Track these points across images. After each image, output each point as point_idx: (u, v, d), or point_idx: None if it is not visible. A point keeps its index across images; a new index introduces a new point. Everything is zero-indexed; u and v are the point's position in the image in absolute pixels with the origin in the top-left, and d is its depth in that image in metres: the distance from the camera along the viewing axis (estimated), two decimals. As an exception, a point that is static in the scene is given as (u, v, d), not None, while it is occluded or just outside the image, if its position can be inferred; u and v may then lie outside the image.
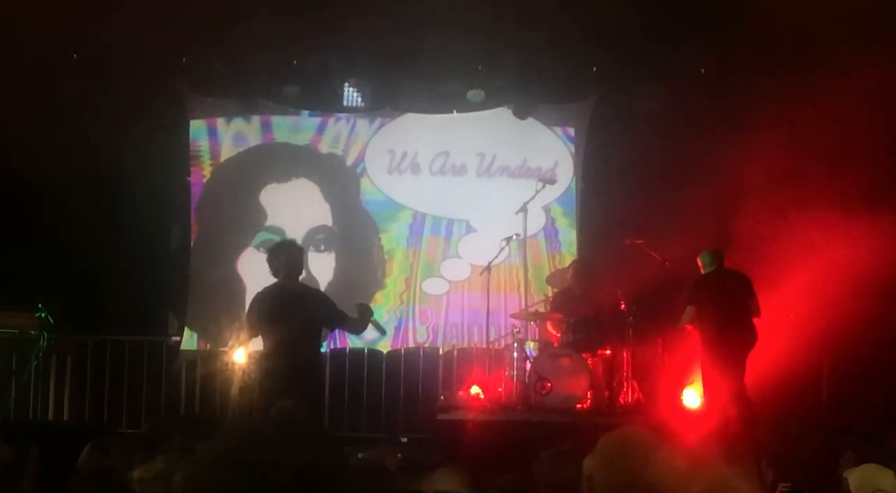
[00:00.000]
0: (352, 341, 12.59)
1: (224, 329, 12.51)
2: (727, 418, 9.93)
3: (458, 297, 12.91)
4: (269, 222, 12.75)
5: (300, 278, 9.00)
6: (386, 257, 12.98)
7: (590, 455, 3.51)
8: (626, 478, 3.22)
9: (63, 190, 11.58)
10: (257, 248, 12.63)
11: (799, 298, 11.15)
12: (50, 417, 11.66)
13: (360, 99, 13.00)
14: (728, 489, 5.12)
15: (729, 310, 10.40)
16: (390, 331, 12.70)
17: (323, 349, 9.66)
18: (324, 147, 13.02)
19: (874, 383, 11.10)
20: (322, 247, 12.60)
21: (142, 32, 11.16)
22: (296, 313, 8.54)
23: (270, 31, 11.71)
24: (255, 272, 12.10)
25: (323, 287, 12.42)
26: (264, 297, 8.71)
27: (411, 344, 12.83)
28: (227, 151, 12.96)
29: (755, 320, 10.44)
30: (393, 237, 12.99)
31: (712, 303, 10.43)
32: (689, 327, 10.52)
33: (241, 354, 8.91)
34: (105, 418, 11.81)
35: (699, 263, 10.71)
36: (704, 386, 10.44)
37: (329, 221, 12.92)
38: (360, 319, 8.90)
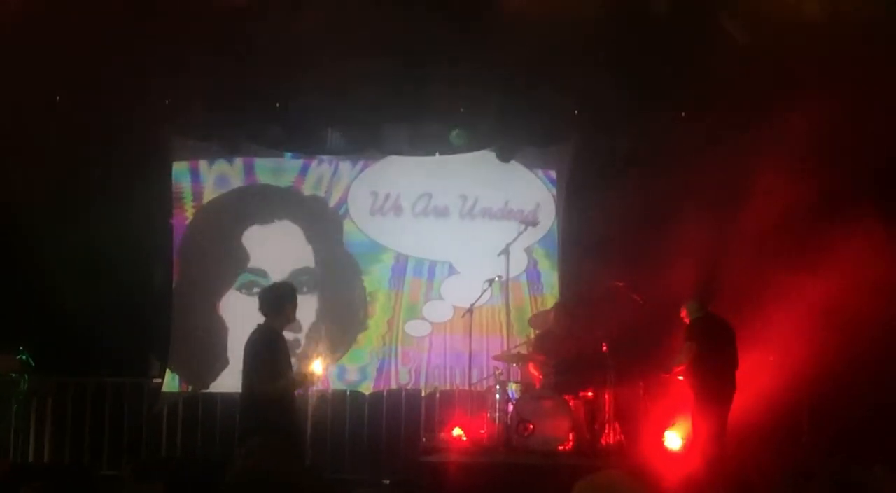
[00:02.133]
0: (333, 383, 12.59)
1: (205, 371, 12.53)
2: (709, 459, 9.94)
3: (440, 338, 12.90)
4: (251, 264, 12.74)
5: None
6: (368, 298, 12.98)
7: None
8: None
9: (44, 232, 11.56)
10: (239, 290, 12.64)
11: (778, 339, 11.22)
12: (30, 459, 11.58)
13: (342, 141, 13.06)
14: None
15: (721, 355, 10.47)
16: (373, 373, 12.73)
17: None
18: (307, 189, 13.04)
19: (854, 419, 11.11)
20: (305, 289, 12.58)
21: (125, 75, 11.23)
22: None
23: (253, 74, 11.77)
24: (236, 314, 12.14)
25: (305, 329, 12.43)
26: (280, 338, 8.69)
27: (394, 386, 12.81)
28: (209, 193, 12.96)
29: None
30: (375, 279, 13.00)
31: (708, 346, 10.47)
32: (678, 369, 10.51)
33: (319, 365, 8.79)
34: (86, 459, 11.74)
35: (684, 311, 10.74)
36: (694, 428, 10.42)
37: (312, 263, 12.92)
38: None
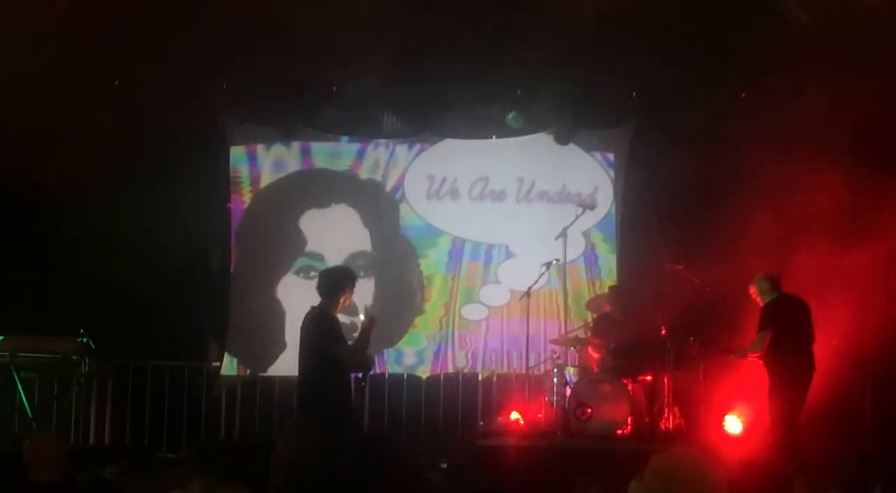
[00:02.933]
0: (391, 367, 12.60)
1: (263, 354, 12.59)
2: (782, 444, 9.75)
3: (497, 322, 12.86)
4: (308, 248, 12.77)
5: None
6: (425, 282, 12.96)
7: (637, 478, 3.48)
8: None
9: (104, 215, 11.65)
10: (297, 274, 12.66)
11: (842, 322, 11.03)
12: (91, 441, 11.68)
13: (399, 124, 13.04)
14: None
15: (800, 337, 10.21)
16: (430, 357, 12.72)
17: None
18: (363, 173, 13.04)
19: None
20: (361, 273, 12.58)
21: (183, 59, 11.27)
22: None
23: (309, 57, 11.76)
24: (294, 298, 12.15)
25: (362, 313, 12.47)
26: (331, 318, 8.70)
27: (451, 370, 12.80)
28: (266, 177, 13.00)
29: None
30: (432, 263, 12.98)
31: (785, 329, 10.16)
32: (754, 355, 10.29)
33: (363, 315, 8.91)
34: (146, 442, 11.83)
35: (754, 289, 10.41)
36: (770, 413, 10.10)
37: (369, 247, 12.93)
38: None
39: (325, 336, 8.52)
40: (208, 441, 8.04)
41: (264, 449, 5.93)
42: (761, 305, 10.31)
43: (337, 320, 8.72)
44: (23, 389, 10.66)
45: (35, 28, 10.50)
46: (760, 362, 10.20)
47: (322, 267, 11.33)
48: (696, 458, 3.33)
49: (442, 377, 12.76)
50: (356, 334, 8.82)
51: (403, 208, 13.02)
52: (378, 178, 13.05)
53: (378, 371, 12.21)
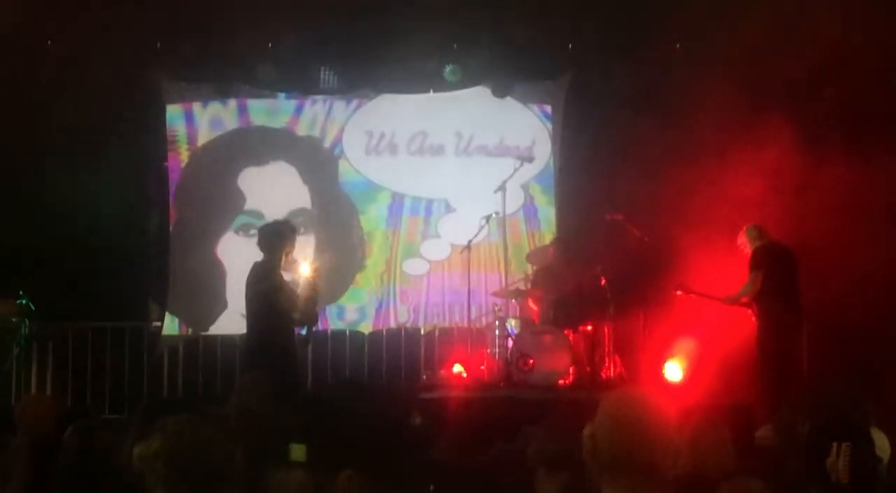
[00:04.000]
0: (333, 323, 12.63)
1: (205, 313, 12.56)
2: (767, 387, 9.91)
3: (438, 277, 12.93)
4: (248, 206, 12.73)
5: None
6: (365, 238, 12.98)
7: (589, 424, 3.57)
8: (627, 432, 3.28)
9: (39, 177, 11.55)
10: (236, 232, 12.63)
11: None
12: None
13: (336, 80, 13.00)
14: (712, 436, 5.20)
15: (789, 280, 10.30)
16: (371, 313, 12.77)
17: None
18: (301, 129, 13.00)
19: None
20: (301, 230, 12.51)
21: (115, 19, 11.14)
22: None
23: (244, 14, 11.67)
24: (234, 256, 12.14)
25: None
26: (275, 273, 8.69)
27: (393, 325, 12.85)
28: (204, 136, 12.91)
29: None
30: (372, 218, 13.00)
31: (775, 272, 10.23)
32: (744, 300, 10.30)
33: (307, 267, 8.86)
34: (88, 404, 11.78)
35: (743, 238, 10.49)
36: (761, 360, 10.18)
37: (308, 204, 12.91)
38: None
39: (273, 290, 8.53)
40: (153, 402, 8.06)
41: (212, 406, 5.99)
42: (750, 252, 10.39)
43: (281, 277, 8.72)
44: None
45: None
46: (744, 307, 10.34)
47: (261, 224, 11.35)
48: (645, 396, 3.41)
49: (384, 333, 12.81)
50: (300, 289, 8.80)
51: (342, 164, 13.01)
52: (316, 134, 13.02)
53: (321, 328, 12.20)
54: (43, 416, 6.16)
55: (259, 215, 12.47)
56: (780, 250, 10.49)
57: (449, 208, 13.04)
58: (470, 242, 11.69)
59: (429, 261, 12.98)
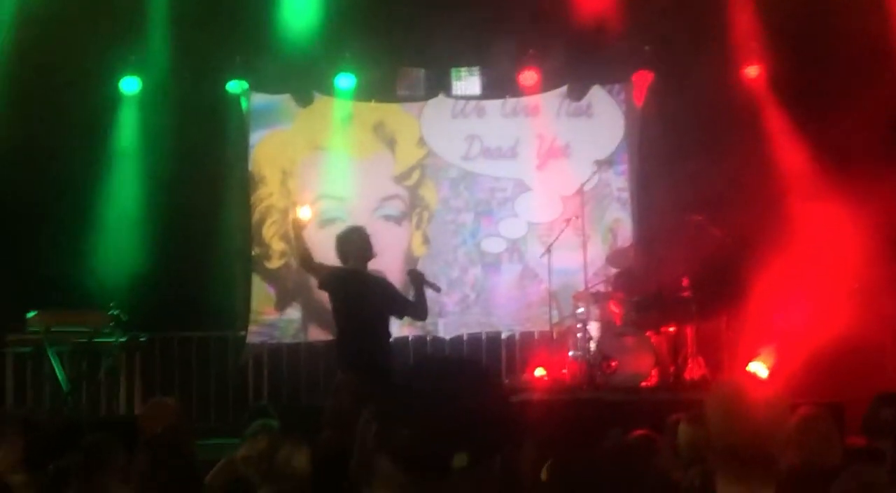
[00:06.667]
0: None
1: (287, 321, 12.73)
2: None
3: (520, 281, 12.98)
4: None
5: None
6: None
7: (685, 419, 3.58)
8: (742, 422, 3.31)
9: (127, 192, 11.96)
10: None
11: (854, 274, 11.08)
12: (122, 413, 11.78)
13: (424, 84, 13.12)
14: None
15: None
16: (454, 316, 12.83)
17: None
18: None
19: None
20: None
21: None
22: (367, 299, 8.69)
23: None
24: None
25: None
26: (338, 277, 8.83)
27: (475, 329, 12.88)
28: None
29: None
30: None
31: None
32: None
33: (307, 211, 9.07)
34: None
35: None
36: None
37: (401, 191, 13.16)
38: (417, 294, 8.97)
39: (397, 297, 8.95)
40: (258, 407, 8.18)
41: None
42: None
43: (360, 283, 8.88)
44: (56, 363, 10.77)
45: None
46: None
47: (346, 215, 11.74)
48: (755, 386, 3.44)
49: (465, 337, 12.86)
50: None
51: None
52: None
53: (402, 334, 12.22)
54: (162, 419, 6.29)
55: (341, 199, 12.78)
56: None
57: (530, 225, 13.13)
58: (550, 245, 11.74)
59: (509, 270, 13.04)
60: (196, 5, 11.98)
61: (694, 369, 11.00)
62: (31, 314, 10.82)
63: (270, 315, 12.84)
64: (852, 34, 10.90)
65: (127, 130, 12.37)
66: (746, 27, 11.93)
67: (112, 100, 12.38)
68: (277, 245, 12.89)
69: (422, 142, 13.17)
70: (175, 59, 12.02)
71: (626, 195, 13.11)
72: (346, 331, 8.84)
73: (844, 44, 11.05)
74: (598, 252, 12.63)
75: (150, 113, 12.32)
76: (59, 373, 10.76)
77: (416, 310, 9.09)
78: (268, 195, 12.94)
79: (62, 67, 11.45)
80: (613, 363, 10.78)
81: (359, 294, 8.68)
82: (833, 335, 10.30)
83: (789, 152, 11.74)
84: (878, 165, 10.84)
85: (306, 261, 9.05)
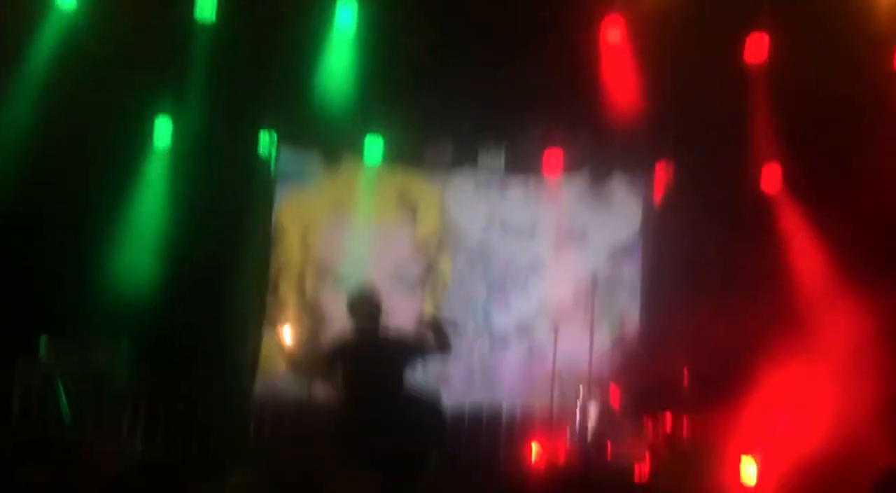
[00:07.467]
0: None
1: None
2: None
3: (526, 358, 13.13)
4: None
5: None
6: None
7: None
8: None
9: (148, 233, 12.24)
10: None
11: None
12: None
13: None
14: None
15: None
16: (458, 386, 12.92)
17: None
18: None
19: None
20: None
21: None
22: (379, 363, 8.93)
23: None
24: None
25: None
26: (346, 346, 9.05)
27: (476, 397, 12.98)
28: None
29: None
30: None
31: None
32: None
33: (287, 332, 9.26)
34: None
35: None
36: None
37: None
38: (438, 340, 9.14)
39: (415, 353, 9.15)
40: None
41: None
42: None
43: (353, 347, 9.21)
44: (62, 393, 10.85)
45: None
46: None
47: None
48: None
49: (466, 410, 12.91)
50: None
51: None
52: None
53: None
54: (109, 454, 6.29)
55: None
56: None
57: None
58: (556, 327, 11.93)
59: (514, 339, 13.20)
60: (234, 58, 12.24)
61: (687, 457, 11.02)
62: (42, 341, 10.99)
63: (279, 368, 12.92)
64: (872, 137, 11.08)
65: (155, 174, 12.58)
66: (764, 127, 12.10)
67: (142, 143, 12.59)
68: (293, 299, 13.06)
69: (443, 212, 13.36)
70: (209, 107, 12.31)
71: (636, 284, 13.24)
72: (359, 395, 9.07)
73: (862, 145, 11.23)
74: (604, 337, 12.77)
75: (178, 159, 12.56)
76: (65, 403, 10.82)
77: (440, 346, 9.21)
78: (288, 249, 13.15)
79: (98, 104, 11.68)
80: (608, 445, 10.88)
81: (369, 359, 8.96)
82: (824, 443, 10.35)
83: (804, 254, 11.84)
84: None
85: (323, 370, 9.31)
